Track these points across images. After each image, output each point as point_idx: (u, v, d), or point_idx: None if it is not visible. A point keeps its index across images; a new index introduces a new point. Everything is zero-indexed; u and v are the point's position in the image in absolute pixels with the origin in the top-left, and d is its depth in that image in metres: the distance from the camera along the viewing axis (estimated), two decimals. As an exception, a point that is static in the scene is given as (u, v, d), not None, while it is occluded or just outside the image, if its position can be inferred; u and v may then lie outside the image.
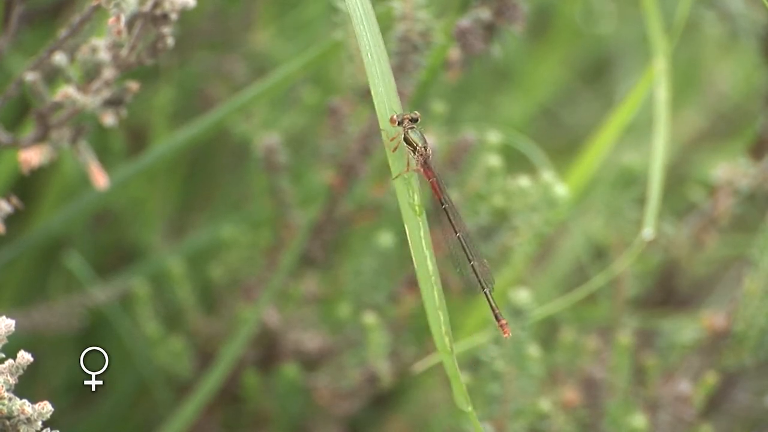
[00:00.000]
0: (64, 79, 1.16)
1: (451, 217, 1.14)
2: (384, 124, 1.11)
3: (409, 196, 1.10)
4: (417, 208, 1.10)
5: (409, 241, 1.08)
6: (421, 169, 1.13)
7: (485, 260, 1.14)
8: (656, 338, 1.59)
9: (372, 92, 1.10)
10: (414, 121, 1.12)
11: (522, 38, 1.96)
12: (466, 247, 1.13)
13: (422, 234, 1.09)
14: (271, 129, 1.62)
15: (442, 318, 1.08)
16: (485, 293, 1.13)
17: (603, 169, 1.79)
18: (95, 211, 1.67)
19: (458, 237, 1.14)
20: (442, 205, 1.14)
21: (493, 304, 1.13)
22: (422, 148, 1.13)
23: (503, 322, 1.13)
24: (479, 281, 1.13)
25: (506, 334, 1.14)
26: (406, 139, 1.12)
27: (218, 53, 1.73)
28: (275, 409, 1.56)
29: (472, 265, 1.13)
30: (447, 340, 1.08)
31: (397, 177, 1.11)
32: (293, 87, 1.66)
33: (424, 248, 1.08)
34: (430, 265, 1.08)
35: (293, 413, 1.56)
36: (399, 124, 1.12)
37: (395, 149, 1.12)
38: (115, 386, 1.67)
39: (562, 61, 2.08)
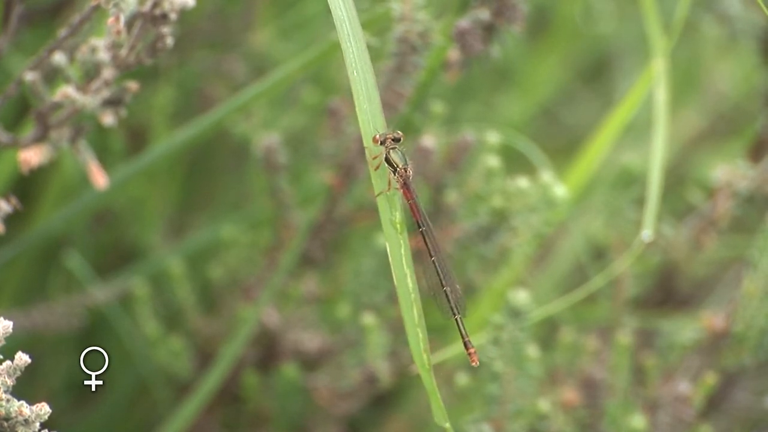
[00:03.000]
0: (64, 78, 1.16)
1: (428, 241, 1.14)
2: (368, 142, 1.12)
3: (390, 214, 1.10)
4: (398, 225, 1.10)
5: (390, 258, 1.08)
6: (401, 190, 1.13)
7: (458, 286, 1.14)
8: (656, 338, 1.59)
9: (357, 110, 1.10)
10: (396, 141, 1.13)
11: (521, 38, 1.96)
12: (440, 272, 1.14)
13: (402, 252, 1.09)
14: (271, 129, 1.62)
15: (420, 335, 1.08)
16: (456, 320, 1.14)
17: (602, 170, 1.79)
18: (95, 211, 1.67)
19: (433, 261, 1.14)
20: (420, 227, 1.14)
21: (464, 332, 1.13)
22: (402, 169, 1.13)
23: (471, 350, 1.14)
24: (451, 308, 1.14)
25: (474, 363, 1.14)
26: (387, 160, 1.13)
27: (218, 53, 1.73)
28: (275, 409, 1.56)
29: (445, 291, 1.14)
30: (425, 357, 1.08)
31: (379, 195, 1.11)
32: (293, 87, 1.67)
33: (404, 266, 1.09)
34: (410, 283, 1.09)
35: (293, 413, 1.56)
36: (381, 143, 1.12)
37: (377, 168, 1.13)
38: (115, 386, 1.68)
39: (562, 61, 2.08)
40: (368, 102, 1.10)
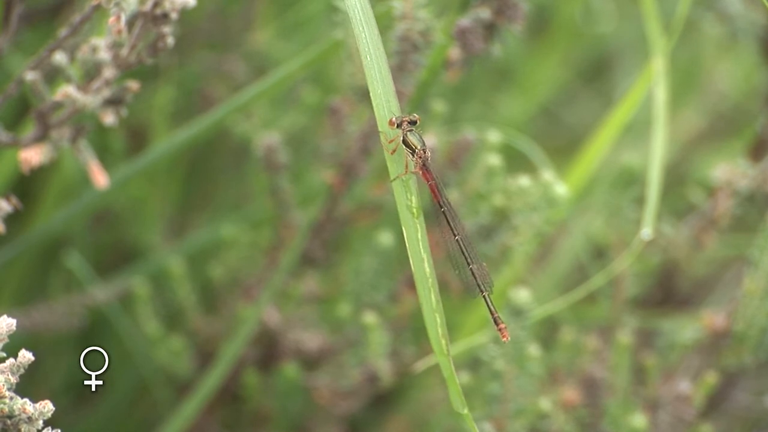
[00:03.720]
0: (64, 78, 1.16)
1: (450, 220, 1.14)
2: (383, 126, 1.11)
3: (406, 198, 1.10)
4: (414, 210, 1.09)
5: (407, 244, 1.08)
6: (420, 172, 1.12)
7: (484, 263, 1.14)
8: (656, 338, 1.59)
9: (371, 94, 1.10)
10: (413, 123, 1.12)
11: (522, 38, 1.97)
12: (464, 250, 1.13)
13: (419, 236, 1.09)
14: (271, 128, 1.62)
15: (438, 320, 1.08)
16: (484, 297, 1.13)
17: (603, 169, 1.79)
18: (95, 211, 1.67)
19: (457, 240, 1.13)
20: (441, 208, 1.14)
21: (492, 308, 1.13)
22: (421, 151, 1.12)
23: (502, 326, 1.13)
24: (478, 285, 1.13)
25: (505, 338, 1.14)
26: (405, 142, 1.12)
27: (218, 53, 1.73)
28: (275, 409, 1.56)
29: (471, 269, 1.13)
30: (444, 342, 1.08)
31: (395, 179, 1.11)
32: (293, 87, 1.66)
33: (421, 250, 1.08)
34: (427, 268, 1.08)
35: (293, 413, 1.56)
36: (398, 126, 1.12)
37: (393, 151, 1.12)
38: (115, 386, 1.67)
39: (562, 60, 2.08)
40: (382, 86, 1.10)
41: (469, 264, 1.13)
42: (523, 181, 1.42)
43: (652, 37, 1.43)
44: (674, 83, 1.80)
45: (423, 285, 1.08)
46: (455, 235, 1.13)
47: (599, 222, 1.66)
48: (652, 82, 1.43)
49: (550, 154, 1.55)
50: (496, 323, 1.13)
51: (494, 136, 1.46)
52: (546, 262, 1.76)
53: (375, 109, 1.10)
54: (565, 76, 2.10)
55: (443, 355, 1.08)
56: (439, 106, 1.48)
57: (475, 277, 1.13)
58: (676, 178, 1.92)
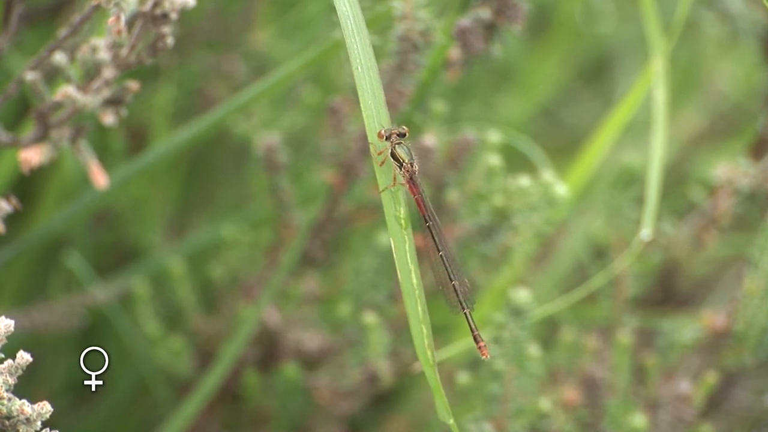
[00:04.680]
0: (64, 78, 1.16)
1: (435, 235, 1.14)
2: (372, 137, 1.12)
3: (395, 210, 1.10)
4: (402, 221, 1.10)
5: (394, 255, 1.08)
6: (407, 185, 1.13)
7: (466, 280, 1.14)
8: (656, 338, 1.59)
9: (361, 105, 1.10)
10: (401, 136, 1.13)
11: (522, 38, 1.97)
12: (447, 266, 1.14)
13: (407, 247, 1.09)
14: (271, 128, 1.62)
15: (425, 331, 1.08)
16: (465, 314, 1.14)
17: (603, 169, 1.79)
18: (95, 211, 1.67)
19: (440, 256, 1.14)
20: (427, 222, 1.14)
21: (473, 326, 1.13)
22: (408, 164, 1.13)
23: (482, 344, 1.14)
24: (459, 302, 1.13)
25: (485, 356, 1.14)
26: (393, 155, 1.13)
27: (218, 53, 1.73)
28: (275, 409, 1.56)
29: (453, 285, 1.13)
30: (429, 353, 1.08)
31: (383, 191, 1.11)
32: (293, 87, 1.67)
33: (409, 262, 1.09)
34: (414, 279, 1.09)
35: (293, 413, 1.56)
36: (387, 138, 1.12)
37: (382, 163, 1.13)
38: (115, 386, 1.67)
39: (562, 60, 2.08)
40: (372, 98, 1.10)
41: (451, 280, 1.13)
42: (523, 181, 1.42)
43: (651, 37, 1.43)
44: (674, 83, 1.80)
45: (410, 296, 1.08)
46: (439, 251, 1.14)
47: (599, 222, 1.66)
48: (652, 82, 1.43)
49: (550, 154, 1.55)
50: (476, 341, 1.14)
51: (494, 136, 1.46)
52: (546, 262, 1.76)
53: (365, 121, 1.10)
54: (565, 76, 2.10)
55: (429, 365, 1.08)
56: (439, 106, 1.48)
57: (456, 294, 1.13)
58: (676, 177, 1.92)
